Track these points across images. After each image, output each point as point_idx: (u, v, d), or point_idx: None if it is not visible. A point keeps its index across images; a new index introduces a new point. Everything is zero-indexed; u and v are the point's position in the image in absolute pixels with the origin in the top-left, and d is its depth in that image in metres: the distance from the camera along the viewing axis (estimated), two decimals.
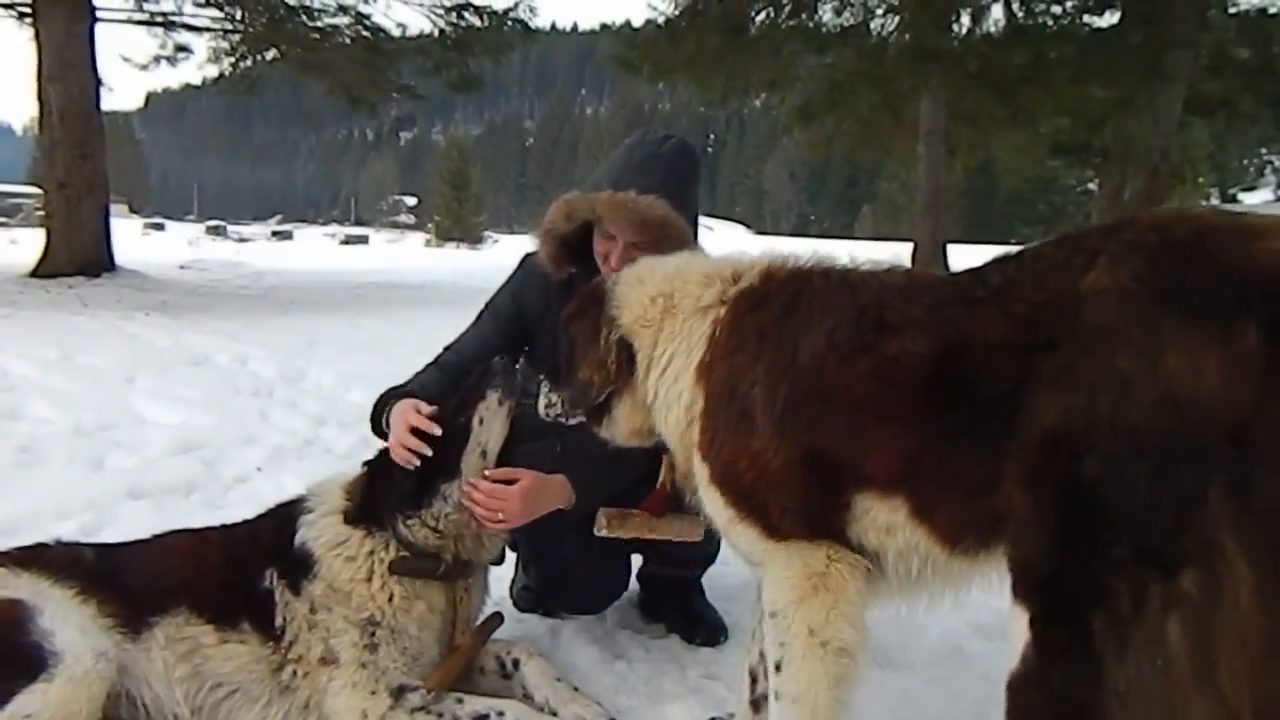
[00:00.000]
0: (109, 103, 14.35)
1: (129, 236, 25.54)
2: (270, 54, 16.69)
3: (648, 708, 2.60)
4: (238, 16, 15.76)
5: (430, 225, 72.01)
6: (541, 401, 2.42)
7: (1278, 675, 1.26)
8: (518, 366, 2.73)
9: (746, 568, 2.15)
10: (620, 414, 2.27)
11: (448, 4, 16.20)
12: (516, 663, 2.60)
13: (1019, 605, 1.49)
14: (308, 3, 15.79)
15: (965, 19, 16.85)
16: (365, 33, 16.25)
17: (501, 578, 3.07)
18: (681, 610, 3.12)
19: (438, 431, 2.48)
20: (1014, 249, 1.76)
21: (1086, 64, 15.28)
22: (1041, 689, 1.44)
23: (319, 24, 15.95)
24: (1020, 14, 16.31)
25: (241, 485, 4.50)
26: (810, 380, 1.83)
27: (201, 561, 2.45)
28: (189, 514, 3.88)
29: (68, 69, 13.28)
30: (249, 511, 2.75)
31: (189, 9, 15.80)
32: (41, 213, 15.01)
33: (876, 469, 1.75)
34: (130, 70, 16.27)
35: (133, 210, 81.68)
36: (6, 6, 14.40)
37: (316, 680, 2.35)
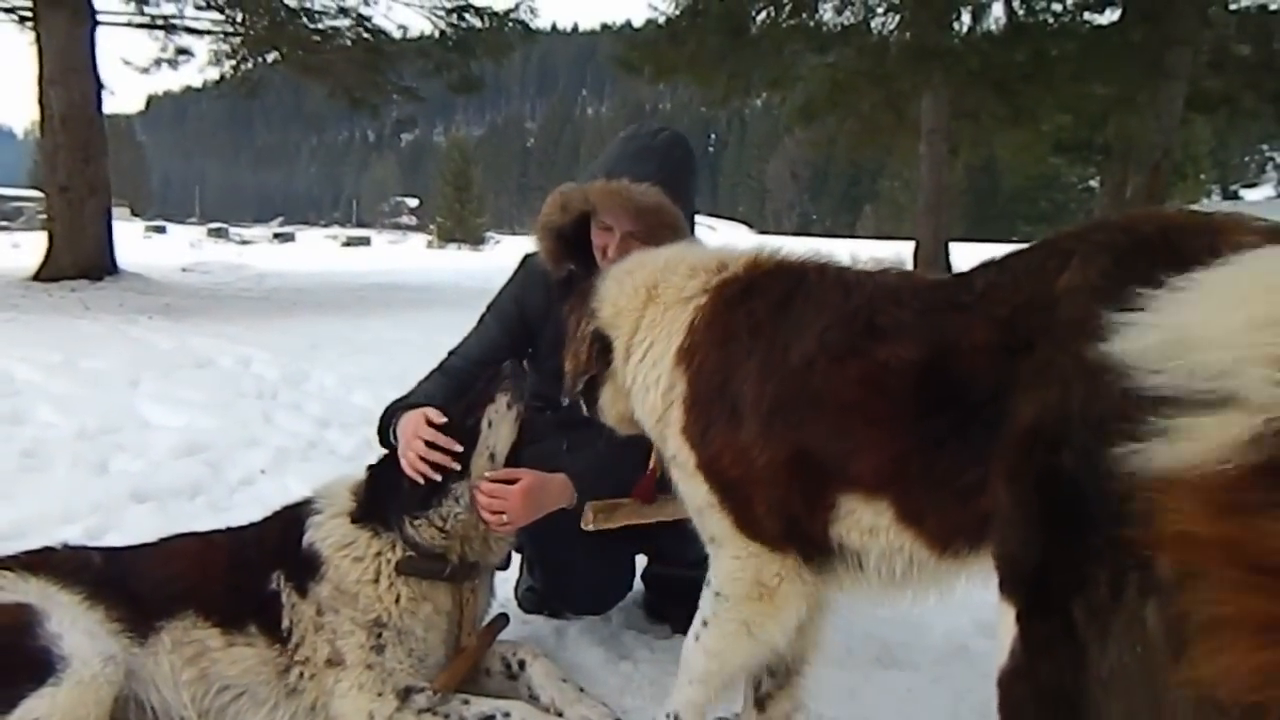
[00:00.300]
0: (110, 106, 14.46)
1: (131, 240, 25.58)
2: (271, 56, 16.70)
3: (653, 708, 2.58)
4: (239, 19, 15.78)
5: (432, 226, 72.15)
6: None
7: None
8: (526, 369, 2.72)
9: None
10: (605, 400, 2.36)
11: (448, 5, 16.22)
12: (522, 664, 2.60)
13: (1006, 601, 1.51)
14: (308, 5, 15.83)
15: (966, 17, 16.89)
16: (366, 35, 16.27)
17: (506, 579, 3.07)
18: (686, 610, 3.10)
19: (458, 448, 2.49)
20: (1000, 253, 1.78)
21: (1087, 61, 15.30)
22: (1029, 682, 1.46)
23: (320, 26, 15.97)
24: (1021, 12, 16.34)
25: (246, 488, 4.50)
26: (800, 380, 1.85)
27: (208, 565, 2.45)
28: (194, 517, 3.88)
29: (69, 72, 13.31)
30: (254, 514, 2.75)
31: (190, 12, 15.86)
32: (43, 216, 15.04)
33: (863, 472, 1.78)
34: (131, 73, 16.31)
35: (134, 213, 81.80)
36: (7, 10, 14.43)
37: (323, 682, 2.35)
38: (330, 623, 2.39)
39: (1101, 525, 1.35)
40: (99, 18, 13.97)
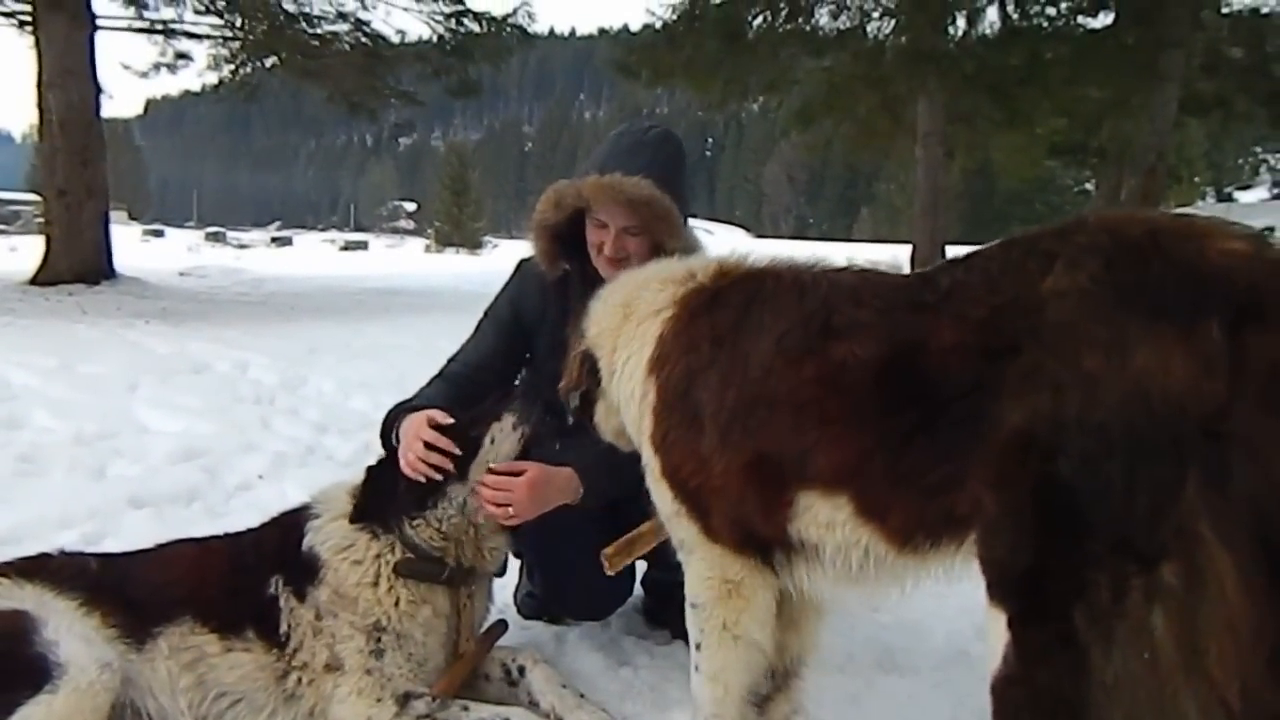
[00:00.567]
0: (108, 109, 14.37)
1: (128, 243, 25.53)
2: (270, 61, 16.67)
3: (653, 714, 2.60)
4: (237, 24, 15.77)
5: (430, 231, 72.15)
6: None
7: (1265, 661, 1.27)
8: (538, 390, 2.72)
9: None
10: (600, 417, 2.41)
11: (447, 10, 16.22)
12: (522, 669, 2.60)
13: (996, 607, 1.51)
14: (307, 9, 15.83)
15: (961, 21, 16.92)
16: (365, 39, 16.27)
17: (505, 585, 3.07)
18: (685, 616, 3.11)
19: (457, 451, 2.50)
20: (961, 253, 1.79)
21: (1082, 65, 15.36)
22: (1026, 688, 1.46)
23: (319, 31, 15.96)
24: (1015, 15, 16.37)
25: (244, 493, 4.49)
26: (757, 387, 1.88)
27: (205, 570, 2.45)
28: (191, 522, 3.86)
29: (68, 76, 13.29)
30: (251, 519, 2.74)
31: (189, 17, 15.83)
32: (41, 220, 15.02)
33: (822, 468, 1.80)
34: (130, 77, 16.30)
35: (132, 217, 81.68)
36: (7, 14, 14.43)
37: (321, 688, 2.34)
38: (329, 627, 2.38)
39: (1102, 531, 1.35)
40: (98, 22, 13.96)
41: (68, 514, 3.92)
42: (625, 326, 2.26)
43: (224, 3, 15.33)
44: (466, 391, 2.85)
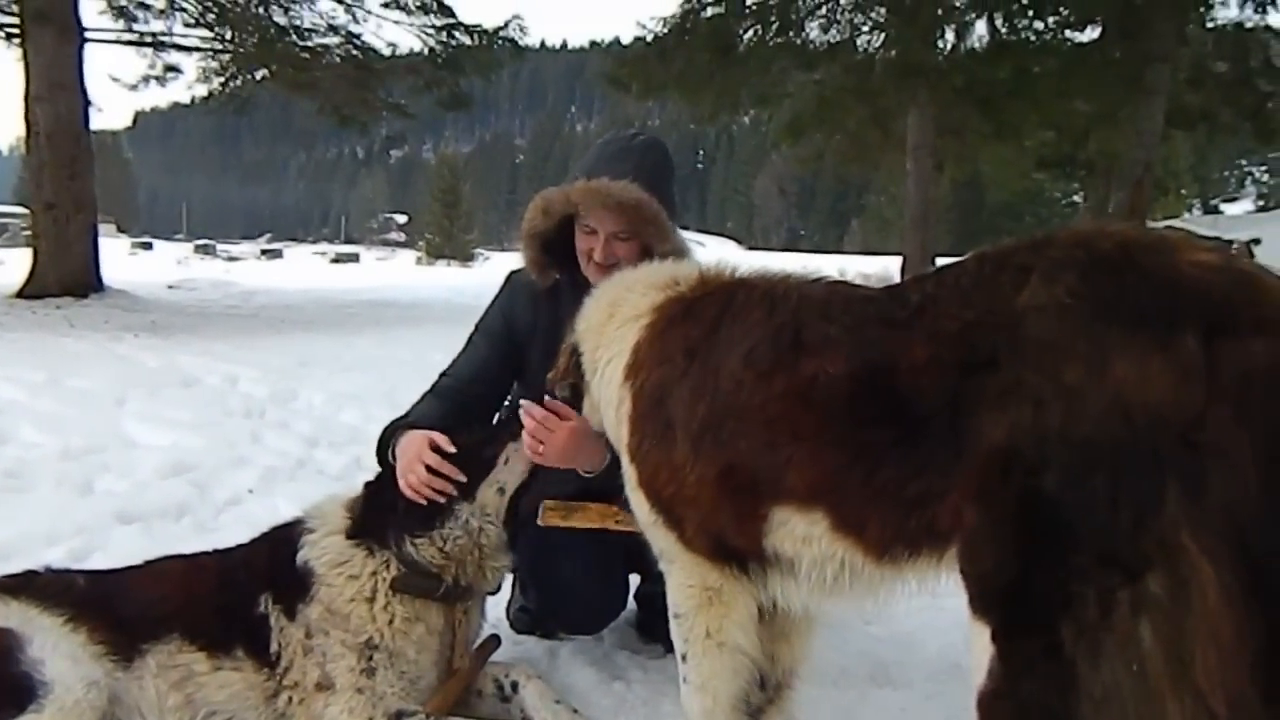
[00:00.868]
0: (97, 122, 14.36)
1: (117, 256, 25.46)
2: (260, 73, 16.69)
3: None
4: (228, 36, 15.78)
5: (421, 243, 72.11)
6: None
7: (1248, 668, 1.28)
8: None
9: None
10: (587, 410, 2.42)
11: (438, 23, 16.26)
12: (515, 685, 2.58)
13: (979, 620, 1.50)
14: (298, 22, 15.86)
15: (950, 35, 17.02)
16: (356, 52, 16.30)
17: (497, 600, 3.05)
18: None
19: (461, 478, 2.49)
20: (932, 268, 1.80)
21: (1069, 78, 15.50)
22: (1011, 702, 1.45)
23: (309, 43, 15.99)
24: (1004, 29, 16.47)
25: (233, 508, 4.46)
26: (728, 399, 1.88)
27: (194, 587, 2.42)
28: (180, 538, 3.83)
29: (56, 89, 13.26)
30: (241, 534, 2.72)
31: (179, 29, 15.82)
32: (28, 233, 14.96)
33: (795, 485, 1.80)
34: (119, 90, 16.25)
35: (121, 230, 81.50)
36: None
37: (312, 707, 2.32)
38: (320, 645, 2.36)
39: (1087, 544, 1.36)
40: (87, 35, 13.93)
41: (55, 530, 3.88)
42: (608, 327, 2.28)
43: (214, 15, 15.35)
44: (460, 406, 2.84)
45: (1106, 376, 1.36)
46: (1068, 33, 16.43)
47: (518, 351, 2.97)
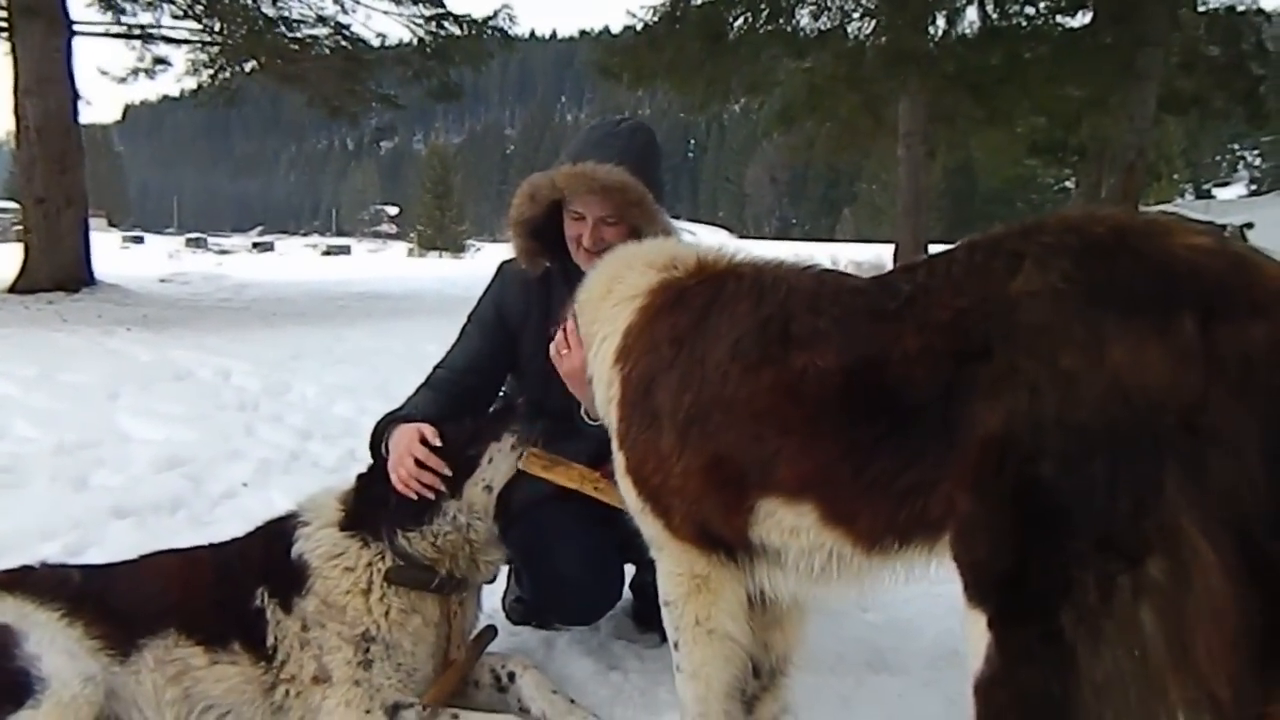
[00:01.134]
0: (87, 116, 14.26)
1: (108, 250, 25.37)
2: (249, 65, 16.58)
3: (643, 718, 2.59)
4: (216, 28, 15.65)
5: (412, 235, 71.93)
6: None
7: (1251, 652, 1.28)
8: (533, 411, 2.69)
9: None
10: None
11: (427, 13, 16.16)
12: (512, 675, 2.59)
13: (975, 607, 1.50)
14: (286, 14, 15.73)
15: (941, 21, 16.97)
16: (345, 43, 16.19)
17: (493, 590, 3.05)
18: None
19: (447, 471, 2.49)
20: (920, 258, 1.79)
21: (1061, 63, 15.49)
22: (1010, 688, 1.45)
23: (298, 35, 15.86)
24: (994, 15, 16.46)
25: (228, 501, 4.45)
26: (714, 391, 1.88)
27: (190, 581, 2.42)
28: (175, 532, 3.83)
29: (45, 83, 13.17)
30: (236, 528, 2.72)
31: (167, 21, 15.69)
32: (19, 227, 14.86)
33: (784, 478, 1.80)
34: (108, 82, 16.15)
35: (111, 224, 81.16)
36: None
37: (309, 700, 2.32)
38: (316, 638, 2.36)
39: (1085, 529, 1.35)
40: (75, 27, 13.84)
41: (50, 525, 3.87)
42: (604, 304, 2.28)
43: (202, 7, 15.22)
44: (455, 397, 2.84)
45: (1104, 361, 1.36)
46: (1059, 18, 16.44)
47: (511, 341, 2.97)
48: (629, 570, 3.08)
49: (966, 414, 1.50)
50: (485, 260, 36.93)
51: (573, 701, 2.52)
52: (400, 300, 16.33)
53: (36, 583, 2.31)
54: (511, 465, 2.57)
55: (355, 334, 11.02)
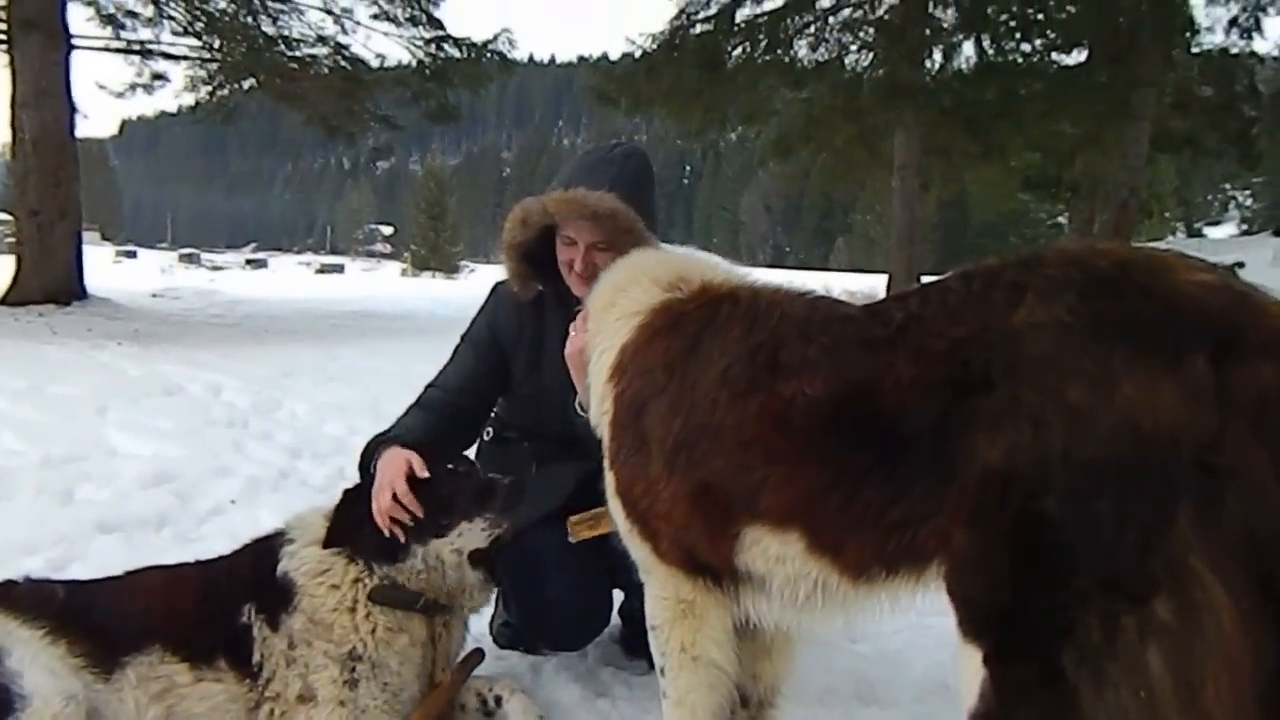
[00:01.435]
0: (83, 129, 14.29)
1: (101, 264, 25.28)
2: (248, 83, 16.63)
3: None
4: (216, 45, 15.73)
5: (406, 255, 71.99)
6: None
7: (1259, 693, 1.26)
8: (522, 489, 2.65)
9: None
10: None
11: (427, 35, 16.26)
12: (499, 700, 2.57)
13: (970, 643, 1.48)
14: (286, 32, 15.80)
15: (937, 55, 17.20)
16: (344, 63, 16.26)
17: (481, 613, 3.02)
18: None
19: (420, 514, 2.45)
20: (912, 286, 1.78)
21: (1056, 100, 15.66)
22: None
23: (298, 54, 15.93)
24: (991, 51, 16.66)
25: (215, 518, 4.42)
26: (703, 418, 1.87)
27: (175, 598, 2.39)
28: (161, 548, 3.80)
29: (42, 96, 13.18)
30: (223, 545, 2.70)
31: (166, 37, 15.75)
32: (12, 239, 14.82)
33: (770, 506, 1.78)
34: (106, 97, 16.18)
35: (105, 238, 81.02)
36: None
37: (294, 719, 2.29)
38: (302, 656, 2.34)
39: (1089, 568, 1.33)
40: (74, 42, 13.87)
41: (34, 539, 3.83)
42: (608, 315, 2.26)
43: (202, 24, 15.31)
44: (448, 418, 2.83)
45: (1114, 397, 1.33)
46: (1055, 55, 16.62)
47: (504, 362, 2.97)
48: (617, 597, 3.07)
49: (964, 446, 1.47)
50: (479, 281, 36.97)
51: None
52: (393, 320, 16.32)
53: (19, 598, 2.28)
54: (481, 540, 2.53)
55: (347, 352, 10.99)
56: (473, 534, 2.52)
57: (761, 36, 16.61)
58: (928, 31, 16.21)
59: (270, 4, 15.47)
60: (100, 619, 2.29)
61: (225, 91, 16.88)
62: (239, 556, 2.55)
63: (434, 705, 2.44)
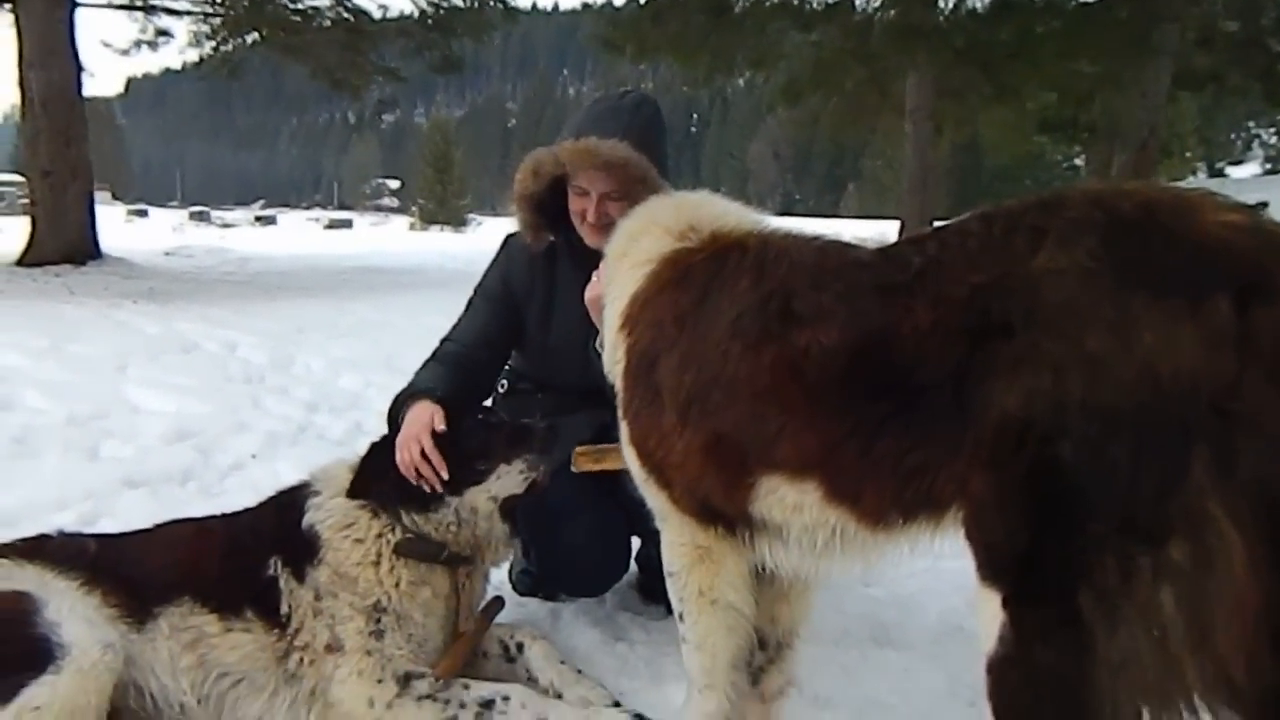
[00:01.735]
0: (90, 88, 14.19)
1: (113, 223, 25.30)
2: (251, 37, 16.48)
3: (650, 689, 2.62)
4: (218, 0, 15.56)
5: (414, 209, 71.65)
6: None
7: (1270, 635, 1.28)
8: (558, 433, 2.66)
9: None
10: None
11: None
12: (521, 646, 2.62)
13: (989, 587, 1.49)
14: None
15: None
16: (347, 15, 16.08)
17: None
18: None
19: (445, 476, 2.49)
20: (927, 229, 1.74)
21: (1073, 39, 15.28)
22: (1024, 668, 1.44)
23: (300, 6, 15.76)
24: None
25: (237, 472, 4.49)
26: (715, 369, 1.86)
27: (204, 550, 2.45)
28: (185, 502, 3.88)
29: (49, 56, 13.11)
30: (245, 499, 2.74)
31: None
32: (25, 201, 14.85)
33: (787, 455, 1.77)
34: (111, 55, 16.08)
35: (115, 197, 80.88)
36: None
37: (322, 668, 2.34)
38: (328, 608, 2.38)
39: (1106, 512, 1.34)
40: (78, 0, 13.74)
41: (64, 495, 3.92)
42: (621, 264, 2.25)
43: None
44: (464, 370, 2.85)
45: (1134, 344, 1.32)
46: None
47: (517, 314, 2.98)
48: (635, 544, 3.12)
49: (982, 393, 1.46)
50: (486, 234, 36.86)
51: (580, 672, 2.55)
52: (402, 274, 16.33)
53: (54, 551, 2.34)
54: (518, 485, 2.57)
55: (359, 307, 11.04)
56: (510, 478, 2.56)
57: None
58: None
59: None
60: (131, 571, 2.34)
61: (229, 46, 16.75)
62: (264, 509, 2.60)
63: (458, 654, 2.49)
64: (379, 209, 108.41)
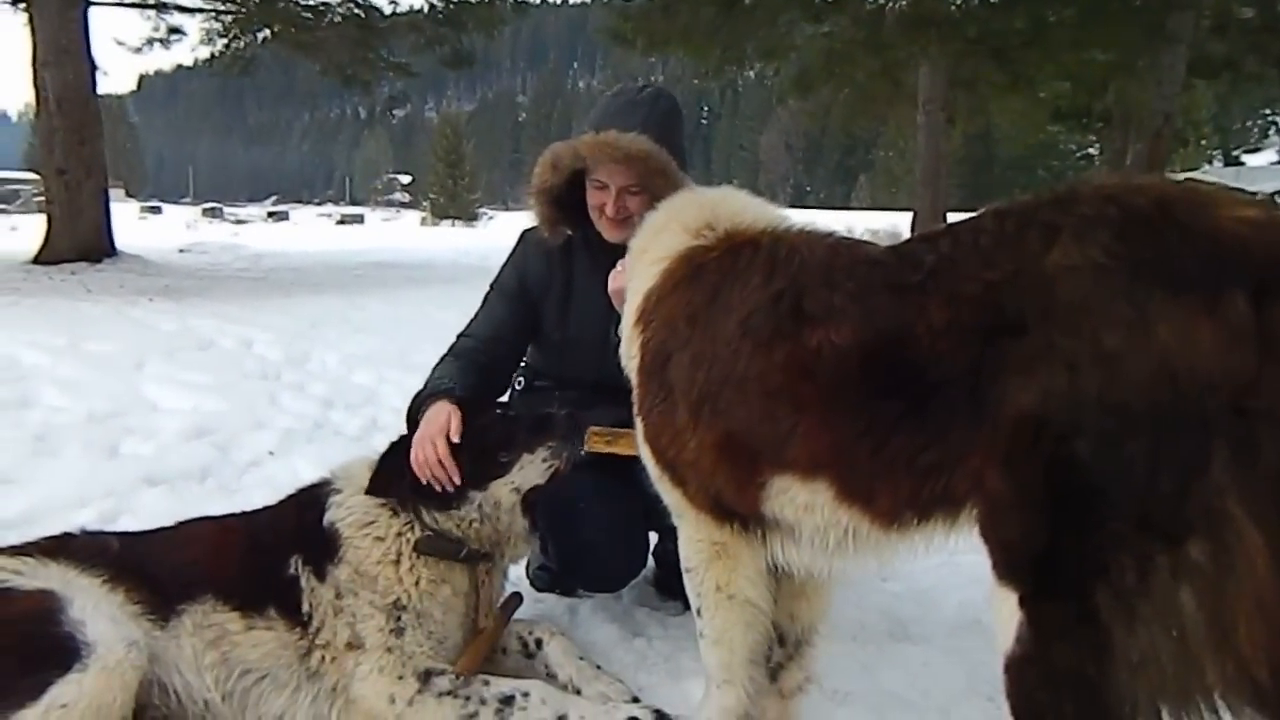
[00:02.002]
0: (103, 86, 14.25)
1: (127, 221, 25.46)
2: (263, 34, 16.53)
3: (667, 684, 2.63)
4: None
5: (425, 203, 71.80)
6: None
7: None
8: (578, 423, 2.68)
9: None
10: None
11: None
12: (539, 642, 2.63)
13: (1005, 585, 1.49)
14: None
15: None
16: (357, 10, 16.09)
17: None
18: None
19: (457, 480, 2.51)
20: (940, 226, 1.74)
21: (1087, 27, 15.13)
22: (1042, 667, 1.44)
23: (311, 3, 15.79)
24: None
25: (255, 469, 4.52)
26: (726, 368, 1.86)
27: (226, 548, 2.46)
28: (205, 499, 3.91)
29: (63, 54, 13.16)
30: (264, 495, 2.76)
31: None
32: (41, 199, 14.95)
33: (799, 455, 1.78)
34: (123, 53, 16.15)
35: (129, 194, 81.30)
36: None
37: (343, 665, 2.36)
38: (349, 606, 2.40)
39: (1124, 511, 1.33)
40: None
41: (84, 492, 3.95)
42: (640, 260, 2.25)
43: None
44: (481, 366, 2.86)
45: (1150, 341, 1.32)
46: None
47: (534, 309, 2.98)
48: (652, 539, 3.13)
49: (997, 391, 1.46)
50: (498, 229, 36.88)
51: (599, 668, 2.56)
52: (414, 269, 16.37)
53: (77, 549, 2.35)
54: (541, 475, 2.58)
55: (372, 303, 11.07)
56: (533, 467, 2.57)
57: None
58: None
59: None
60: (154, 569, 2.36)
61: (241, 43, 16.79)
62: (285, 507, 2.62)
63: (478, 650, 2.50)
64: (390, 204, 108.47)
